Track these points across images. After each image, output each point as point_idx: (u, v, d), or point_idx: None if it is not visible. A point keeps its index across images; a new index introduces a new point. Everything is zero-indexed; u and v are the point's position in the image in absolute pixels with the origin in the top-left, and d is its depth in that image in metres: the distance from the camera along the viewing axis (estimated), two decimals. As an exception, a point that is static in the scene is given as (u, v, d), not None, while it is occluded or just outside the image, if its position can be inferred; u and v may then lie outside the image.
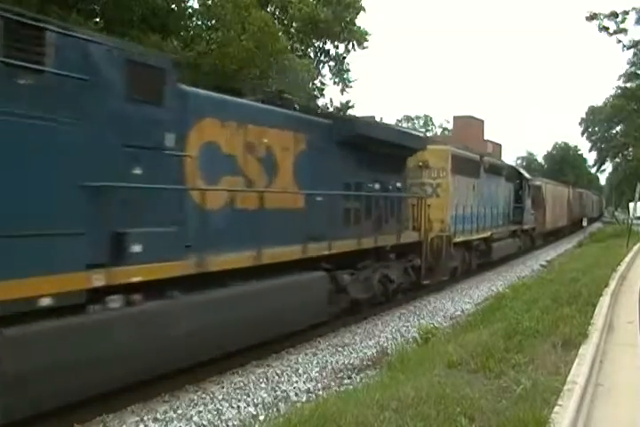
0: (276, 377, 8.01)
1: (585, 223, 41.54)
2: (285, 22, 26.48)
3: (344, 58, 29.47)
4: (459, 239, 16.15)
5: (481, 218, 18.16)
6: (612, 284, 12.11)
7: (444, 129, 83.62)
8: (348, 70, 30.00)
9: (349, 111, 29.22)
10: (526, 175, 26.15)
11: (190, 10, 21.58)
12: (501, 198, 21.69)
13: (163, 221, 6.51)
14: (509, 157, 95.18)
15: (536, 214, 27.89)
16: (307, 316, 9.26)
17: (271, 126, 8.76)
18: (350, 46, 28.73)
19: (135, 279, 6.13)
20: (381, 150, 11.37)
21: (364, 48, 28.91)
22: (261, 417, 6.46)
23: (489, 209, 19.25)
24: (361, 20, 44.73)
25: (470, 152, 19.09)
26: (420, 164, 15.05)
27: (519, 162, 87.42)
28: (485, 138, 57.88)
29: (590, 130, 59.34)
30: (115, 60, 6.07)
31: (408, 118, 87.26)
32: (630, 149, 46.92)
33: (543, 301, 10.34)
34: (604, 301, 9.96)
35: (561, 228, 38.02)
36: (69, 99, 5.54)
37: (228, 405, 6.92)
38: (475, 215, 17.52)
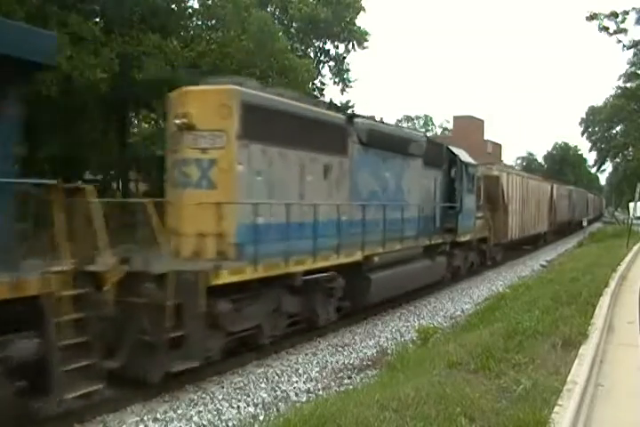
0: (276, 377, 8.02)
1: (585, 223, 41.20)
2: (285, 22, 26.51)
3: (344, 58, 29.52)
4: (235, 278, 7.66)
5: (333, 228, 9.85)
6: (612, 284, 12.10)
7: (444, 129, 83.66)
8: (348, 70, 30.04)
9: (349, 111, 29.25)
10: (466, 158, 16.86)
11: (190, 10, 21.58)
12: (413, 193, 13.44)
13: None
14: (509, 157, 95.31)
15: (489, 218, 19.78)
16: None
17: None
18: (350, 46, 28.79)
19: None
20: None
21: (364, 48, 28.97)
22: (261, 417, 6.46)
23: (373, 211, 11.27)
24: (361, 20, 44.87)
25: (318, 105, 11.12)
26: (178, 122, 8.07)
27: (519, 162, 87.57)
28: (485, 138, 57.93)
29: (590, 130, 59.28)
30: None
31: (408, 118, 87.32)
32: (630, 149, 46.89)
33: (543, 301, 10.34)
34: (604, 301, 9.96)
35: (538, 235, 29.45)
36: None
37: (227, 405, 6.93)
38: (321, 223, 9.43)
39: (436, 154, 15.24)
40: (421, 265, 13.55)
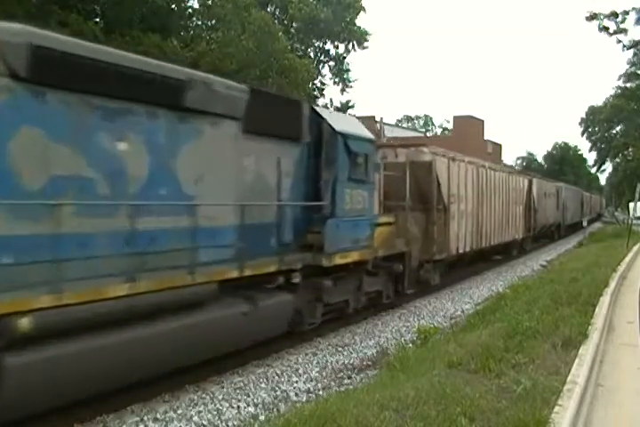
0: (276, 377, 8.01)
1: (585, 224, 40.78)
2: (285, 22, 26.56)
3: (344, 58, 29.60)
4: None
5: None
6: (612, 284, 12.10)
7: (444, 129, 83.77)
8: (348, 70, 30.13)
9: (349, 111, 29.33)
10: (346, 128, 9.88)
11: (190, 10, 21.62)
12: (210, 184, 7.42)
13: None
14: (509, 157, 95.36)
15: (414, 224, 13.22)
16: None
17: None
18: (350, 46, 28.86)
19: None
20: None
21: (364, 48, 29.05)
22: (261, 417, 6.46)
23: (27, 219, 5.32)
24: (361, 20, 44.89)
25: None
26: None
27: (519, 162, 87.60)
28: (485, 138, 57.87)
29: (590, 130, 59.39)
30: None
31: (408, 118, 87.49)
32: (630, 149, 46.97)
33: (543, 301, 10.34)
34: (604, 301, 9.95)
35: (510, 244, 22.45)
36: None
37: (228, 405, 6.92)
38: None
39: (282, 118, 8.74)
40: (214, 317, 7.19)
